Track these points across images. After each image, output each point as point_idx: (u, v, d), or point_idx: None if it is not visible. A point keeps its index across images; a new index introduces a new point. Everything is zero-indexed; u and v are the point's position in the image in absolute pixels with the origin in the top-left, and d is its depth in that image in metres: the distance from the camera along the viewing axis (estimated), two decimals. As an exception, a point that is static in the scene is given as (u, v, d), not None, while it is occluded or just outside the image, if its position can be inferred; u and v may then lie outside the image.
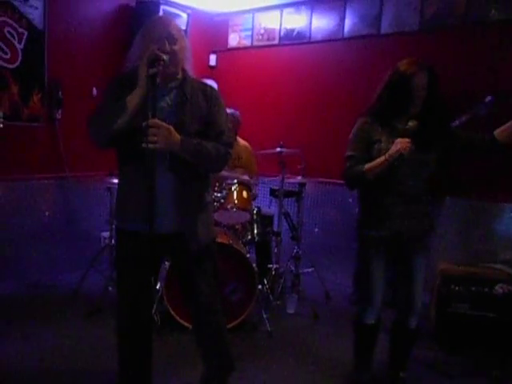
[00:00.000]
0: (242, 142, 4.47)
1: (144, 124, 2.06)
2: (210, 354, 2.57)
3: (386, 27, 4.84)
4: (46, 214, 4.66)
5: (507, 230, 4.08)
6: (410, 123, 2.59)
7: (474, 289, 3.54)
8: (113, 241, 4.20)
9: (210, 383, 2.59)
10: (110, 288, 4.06)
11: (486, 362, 3.37)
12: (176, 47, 2.22)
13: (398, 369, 2.95)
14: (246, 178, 4.11)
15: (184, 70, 2.34)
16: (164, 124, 2.10)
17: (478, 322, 3.48)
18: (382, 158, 2.55)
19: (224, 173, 4.15)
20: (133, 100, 2.14)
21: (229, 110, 4.17)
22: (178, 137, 2.15)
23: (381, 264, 2.76)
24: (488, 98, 3.63)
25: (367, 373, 2.97)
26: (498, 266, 3.77)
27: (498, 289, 3.50)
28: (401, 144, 2.52)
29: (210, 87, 2.41)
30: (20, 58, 4.30)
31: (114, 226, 4.05)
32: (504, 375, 3.19)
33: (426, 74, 2.56)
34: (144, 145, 2.06)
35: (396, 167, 2.57)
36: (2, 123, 2.35)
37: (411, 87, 2.54)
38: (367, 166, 2.60)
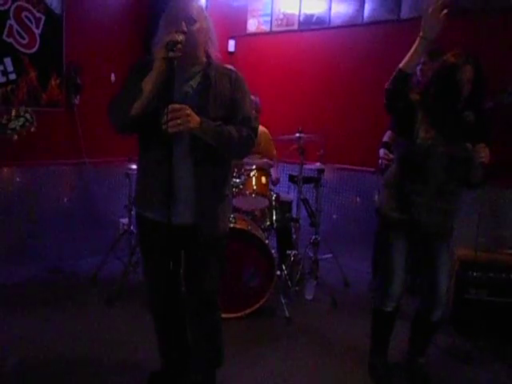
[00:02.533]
0: (260, 127, 4.42)
1: (165, 111, 2.03)
2: (201, 348, 2.57)
3: (406, 12, 4.80)
4: (65, 200, 4.69)
5: None
6: (470, 116, 2.55)
7: (492, 275, 3.54)
8: (132, 227, 4.21)
9: (197, 376, 2.58)
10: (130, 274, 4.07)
11: (504, 347, 3.35)
12: (194, 28, 2.17)
13: (417, 354, 2.95)
14: (264, 160, 4.09)
15: (208, 55, 2.29)
16: (182, 106, 2.07)
17: (496, 308, 3.47)
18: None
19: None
20: (148, 83, 2.11)
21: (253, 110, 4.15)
22: (197, 118, 2.12)
23: (401, 249, 2.73)
24: None
25: (383, 358, 2.97)
26: None
27: None
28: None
29: (236, 72, 2.36)
30: (38, 43, 4.30)
31: (132, 213, 4.06)
32: None
33: (472, 67, 2.51)
34: (164, 127, 2.03)
35: (433, 158, 2.54)
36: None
37: (457, 80, 2.50)
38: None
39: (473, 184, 2.66)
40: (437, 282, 2.73)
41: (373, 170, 4.44)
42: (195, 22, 2.18)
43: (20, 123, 2.35)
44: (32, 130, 2.40)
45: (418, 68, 3.91)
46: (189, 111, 2.08)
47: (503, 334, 3.43)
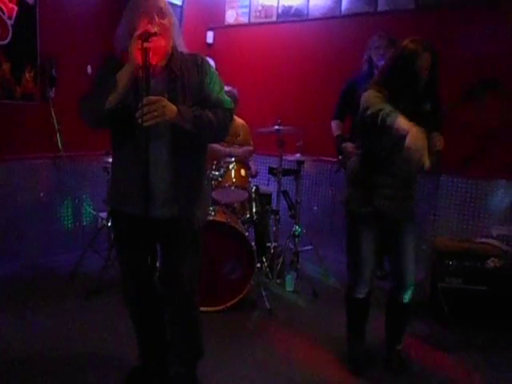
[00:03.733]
0: (238, 119, 4.42)
1: (139, 104, 2.00)
2: (180, 341, 2.56)
3: (382, 5, 4.87)
4: (41, 194, 4.60)
5: (500, 206, 4.23)
6: (427, 105, 2.59)
7: (467, 264, 3.62)
8: (110, 221, 4.17)
9: (177, 369, 2.57)
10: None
11: (479, 334, 3.41)
12: (165, 21, 2.16)
13: (393, 342, 3.00)
14: (244, 149, 4.10)
15: (173, 47, 2.27)
16: (158, 97, 2.05)
17: (471, 296, 3.54)
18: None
19: (223, 149, 4.15)
20: (123, 76, 2.09)
21: (226, 88, 4.13)
22: (173, 108, 2.10)
23: (369, 239, 2.79)
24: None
25: (360, 346, 3.02)
26: (491, 241, 3.86)
27: (490, 263, 3.58)
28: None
29: (201, 57, 2.33)
30: (11, 35, 4.18)
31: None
32: (496, 347, 3.28)
33: (430, 54, 2.52)
34: (140, 121, 2.00)
35: (398, 151, 2.53)
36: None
37: (416, 67, 2.50)
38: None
39: (430, 170, 2.70)
40: (404, 263, 2.79)
41: (336, 168, 4.46)
42: (165, 16, 2.17)
43: None
44: None
45: (381, 53, 3.92)
46: (164, 102, 2.06)
47: (478, 322, 3.49)
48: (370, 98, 2.58)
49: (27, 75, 4.37)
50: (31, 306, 3.57)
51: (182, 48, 2.31)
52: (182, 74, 2.24)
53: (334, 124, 4.28)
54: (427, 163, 2.29)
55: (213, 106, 2.25)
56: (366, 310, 2.98)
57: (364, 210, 2.73)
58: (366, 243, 2.79)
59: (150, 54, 2.03)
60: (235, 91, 4.34)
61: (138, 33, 2.04)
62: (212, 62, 2.61)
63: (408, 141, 2.27)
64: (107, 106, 2.09)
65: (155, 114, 2.03)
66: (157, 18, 2.12)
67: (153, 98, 2.03)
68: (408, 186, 2.73)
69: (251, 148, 4.42)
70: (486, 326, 3.46)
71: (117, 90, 2.08)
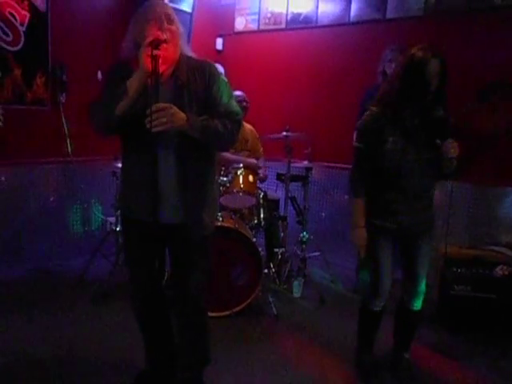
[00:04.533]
0: (246, 125, 4.44)
1: (147, 111, 2.02)
2: (188, 347, 2.56)
3: (391, 12, 4.86)
4: (51, 198, 4.64)
5: (509, 213, 4.18)
6: (440, 111, 2.59)
7: (475, 271, 3.60)
8: (119, 226, 4.19)
9: (184, 374, 2.57)
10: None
11: (488, 342, 3.39)
12: (173, 27, 2.18)
13: (402, 350, 2.98)
14: (253, 161, 4.10)
15: (180, 53, 2.27)
16: (166, 105, 2.07)
17: (480, 304, 3.51)
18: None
19: (231, 156, 4.17)
20: (134, 83, 2.11)
21: (237, 93, 4.17)
22: (183, 116, 2.11)
23: (387, 251, 2.76)
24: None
25: (369, 355, 3.00)
26: (500, 248, 3.84)
27: (498, 271, 3.55)
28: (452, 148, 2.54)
29: (210, 65, 2.32)
30: (23, 41, 4.24)
31: (119, 212, 4.04)
32: (504, 355, 3.25)
33: (439, 61, 2.51)
34: (148, 126, 2.02)
35: (405, 167, 2.57)
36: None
37: (426, 75, 2.49)
38: (356, 205, 2.72)
39: (446, 175, 2.69)
40: (416, 272, 2.78)
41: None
42: (173, 21, 2.19)
43: None
44: None
45: (388, 64, 3.97)
46: (173, 110, 2.08)
47: (487, 329, 3.46)
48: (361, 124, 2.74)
49: (38, 80, 4.42)
50: (40, 309, 3.59)
51: (189, 53, 2.31)
52: (189, 82, 2.24)
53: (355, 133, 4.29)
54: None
55: (221, 115, 2.24)
56: (379, 321, 2.95)
57: (379, 222, 2.71)
58: (384, 255, 2.75)
59: (160, 61, 2.04)
60: (244, 94, 4.36)
61: (148, 40, 2.05)
62: (221, 69, 2.62)
63: None
64: (117, 113, 2.11)
65: (164, 120, 2.04)
66: (166, 25, 2.13)
67: (162, 104, 2.05)
68: (421, 198, 2.67)
69: (261, 161, 4.42)
70: (494, 334, 3.44)
71: (127, 98, 2.10)
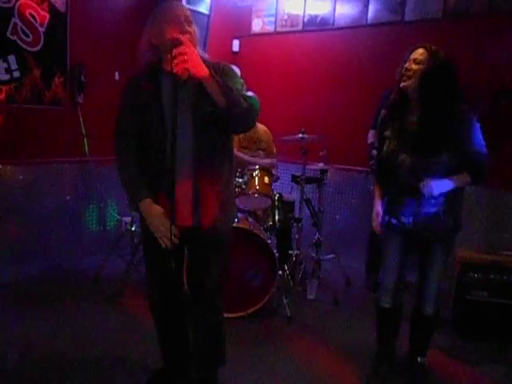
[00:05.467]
0: (260, 126, 4.44)
1: (173, 53, 1.98)
2: (203, 347, 2.56)
3: (409, 14, 4.82)
4: (68, 197, 4.68)
5: None
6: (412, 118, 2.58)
7: (492, 276, 3.54)
8: (134, 225, 4.21)
9: (199, 375, 2.57)
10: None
11: (504, 349, 3.36)
12: (192, 29, 2.18)
13: (417, 354, 2.94)
14: (268, 160, 4.10)
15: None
16: (193, 49, 2.04)
17: (496, 310, 3.47)
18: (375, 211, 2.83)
19: (247, 157, 4.18)
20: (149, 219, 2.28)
21: (249, 93, 4.16)
22: (206, 68, 2.05)
23: (395, 248, 2.77)
24: None
25: (386, 364, 2.95)
26: None
27: None
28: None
29: (223, 64, 2.31)
30: (42, 41, 4.28)
31: (134, 212, 4.06)
32: None
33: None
34: (172, 67, 1.98)
35: (402, 172, 2.59)
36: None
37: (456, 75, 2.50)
38: (376, 191, 2.87)
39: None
40: (426, 277, 2.76)
41: (367, 170, 4.47)
42: (192, 23, 2.20)
43: None
44: None
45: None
46: (196, 54, 2.04)
47: (503, 335, 3.43)
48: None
49: (57, 81, 4.46)
50: (55, 307, 3.63)
51: (204, 55, 2.29)
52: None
53: (370, 133, 4.33)
54: None
55: None
56: (393, 322, 2.92)
57: (396, 222, 2.72)
58: (391, 252, 2.78)
59: (185, 62, 2.01)
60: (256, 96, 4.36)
61: (170, 42, 2.05)
62: (237, 70, 2.62)
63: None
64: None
65: (185, 58, 1.98)
66: (186, 26, 2.15)
67: (186, 46, 2.01)
68: (427, 203, 2.60)
69: (275, 161, 4.44)
70: (510, 340, 3.40)
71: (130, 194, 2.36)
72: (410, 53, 2.58)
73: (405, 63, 2.56)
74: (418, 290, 2.85)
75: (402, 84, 2.56)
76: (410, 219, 2.65)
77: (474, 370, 3.11)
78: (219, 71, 2.24)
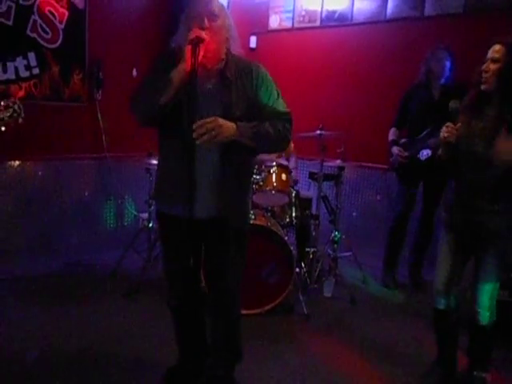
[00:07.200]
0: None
1: (190, 124, 2.03)
2: (221, 344, 2.56)
3: (429, 9, 4.75)
4: (86, 193, 4.72)
5: None
6: (452, 104, 2.52)
7: None
8: (151, 222, 4.23)
9: (216, 371, 2.57)
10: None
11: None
12: (216, 24, 2.16)
13: (474, 368, 2.77)
14: (284, 162, 4.09)
15: (228, 51, 2.27)
16: (211, 118, 2.06)
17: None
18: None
19: (262, 156, 4.15)
20: (177, 75, 2.11)
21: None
22: (231, 124, 2.11)
23: (447, 246, 2.68)
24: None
25: (441, 373, 2.83)
26: None
27: None
28: (444, 129, 2.47)
29: (257, 67, 2.32)
30: (61, 38, 4.32)
31: (152, 207, 4.08)
32: None
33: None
34: (194, 137, 2.03)
35: (457, 158, 2.52)
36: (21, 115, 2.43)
37: None
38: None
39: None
40: (476, 282, 2.64)
41: (386, 167, 4.43)
42: (217, 18, 2.18)
43: (8, 114, 2.38)
44: (20, 121, 2.43)
45: (442, 65, 3.95)
46: (221, 121, 2.07)
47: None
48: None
49: (75, 77, 4.50)
50: (73, 302, 3.66)
51: (236, 50, 2.30)
52: (236, 81, 2.24)
53: (391, 131, 4.30)
54: None
55: (270, 116, 2.25)
56: (446, 325, 2.79)
57: (448, 217, 2.67)
58: (443, 249, 2.70)
59: (200, 58, 2.05)
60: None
61: (188, 38, 2.06)
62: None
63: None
64: (162, 102, 2.11)
65: (213, 133, 2.04)
66: (207, 22, 2.12)
67: (207, 119, 2.05)
68: (478, 196, 2.49)
69: (292, 165, 4.37)
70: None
71: (170, 88, 2.10)
72: (489, 50, 2.46)
73: (483, 63, 2.45)
74: (471, 297, 2.70)
75: (482, 87, 2.46)
76: (460, 215, 2.57)
77: (494, 372, 2.94)
78: (253, 75, 2.26)
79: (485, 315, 2.64)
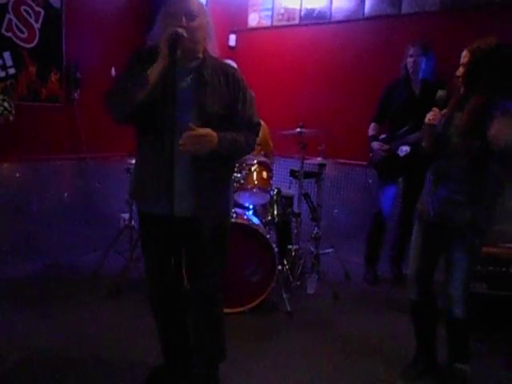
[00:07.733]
0: (258, 121, 4.42)
1: (182, 137, 2.09)
2: (203, 343, 2.56)
3: (406, 7, 4.81)
4: (65, 194, 4.67)
5: None
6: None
7: (491, 268, 3.52)
8: (132, 222, 4.20)
9: (200, 370, 2.57)
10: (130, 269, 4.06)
11: (503, 340, 3.35)
12: (194, 24, 2.16)
13: (452, 360, 2.79)
14: (263, 159, 4.09)
15: (205, 50, 2.28)
16: (206, 130, 2.14)
17: (496, 302, 3.45)
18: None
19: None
20: (154, 72, 2.10)
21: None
22: (214, 138, 2.16)
23: (420, 238, 2.72)
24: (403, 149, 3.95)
25: (421, 364, 2.87)
26: None
27: None
28: (430, 113, 2.56)
29: (233, 69, 2.35)
30: (37, 38, 4.27)
31: (134, 207, 4.05)
32: None
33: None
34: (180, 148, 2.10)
35: (437, 146, 2.57)
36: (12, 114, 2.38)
37: None
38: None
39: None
40: (449, 281, 2.65)
41: (366, 164, 4.46)
42: (196, 17, 2.18)
43: None
44: (11, 118, 2.40)
45: (413, 61, 4.05)
46: (203, 132, 2.14)
47: (502, 327, 3.43)
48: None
49: (53, 77, 4.45)
50: (54, 304, 3.62)
51: (214, 49, 2.32)
52: (213, 81, 2.25)
53: (371, 126, 4.35)
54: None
55: (243, 124, 2.32)
56: (421, 316, 2.83)
57: (420, 206, 2.72)
58: (415, 241, 2.75)
59: (177, 55, 2.06)
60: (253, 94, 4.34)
61: (167, 34, 2.06)
62: (234, 65, 2.64)
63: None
64: (138, 100, 2.10)
65: (197, 146, 2.13)
66: (184, 21, 2.13)
67: (192, 132, 2.10)
68: (446, 185, 2.54)
69: (269, 162, 4.34)
70: (509, 332, 3.40)
71: (146, 85, 2.09)
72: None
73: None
74: (444, 291, 2.72)
75: (461, 90, 2.60)
76: (430, 205, 2.62)
77: (472, 362, 2.88)
78: (230, 79, 2.29)
79: (459, 309, 2.66)
